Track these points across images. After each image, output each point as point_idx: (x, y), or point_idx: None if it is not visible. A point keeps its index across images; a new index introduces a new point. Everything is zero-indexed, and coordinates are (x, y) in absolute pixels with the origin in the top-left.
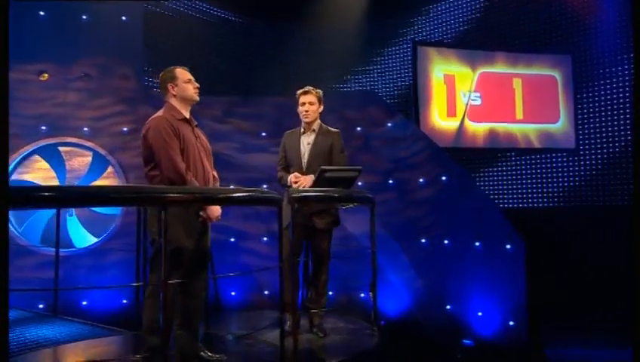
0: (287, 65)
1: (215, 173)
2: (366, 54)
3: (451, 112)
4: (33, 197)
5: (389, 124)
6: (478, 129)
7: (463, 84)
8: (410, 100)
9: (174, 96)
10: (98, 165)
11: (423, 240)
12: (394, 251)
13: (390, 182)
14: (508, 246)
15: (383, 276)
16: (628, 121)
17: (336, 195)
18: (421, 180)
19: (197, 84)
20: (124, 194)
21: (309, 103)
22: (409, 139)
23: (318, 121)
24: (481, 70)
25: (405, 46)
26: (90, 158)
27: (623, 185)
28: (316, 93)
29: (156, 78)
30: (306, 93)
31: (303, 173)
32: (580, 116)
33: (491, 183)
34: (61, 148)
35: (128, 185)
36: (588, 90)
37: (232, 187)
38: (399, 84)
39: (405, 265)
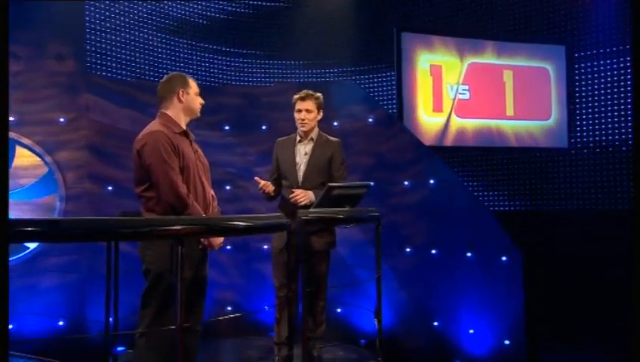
0: (254, 51)
1: (212, 192)
2: (345, 41)
3: (437, 107)
4: (22, 232)
5: (370, 120)
6: (465, 126)
7: (450, 76)
8: (394, 93)
9: (180, 103)
10: (28, 163)
11: (408, 250)
12: (375, 261)
13: (371, 184)
14: (503, 258)
15: (361, 289)
16: (624, 118)
17: (347, 216)
18: (406, 183)
19: (202, 100)
20: (137, 228)
21: (307, 110)
22: (393, 137)
23: (317, 129)
24: (470, 60)
25: (388, 32)
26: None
27: (623, 187)
28: (315, 98)
29: (100, 58)
30: (303, 98)
31: (298, 187)
32: (573, 113)
33: (481, 185)
34: None
35: (141, 218)
36: (581, 85)
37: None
38: (381, 74)
39: (388, 277)
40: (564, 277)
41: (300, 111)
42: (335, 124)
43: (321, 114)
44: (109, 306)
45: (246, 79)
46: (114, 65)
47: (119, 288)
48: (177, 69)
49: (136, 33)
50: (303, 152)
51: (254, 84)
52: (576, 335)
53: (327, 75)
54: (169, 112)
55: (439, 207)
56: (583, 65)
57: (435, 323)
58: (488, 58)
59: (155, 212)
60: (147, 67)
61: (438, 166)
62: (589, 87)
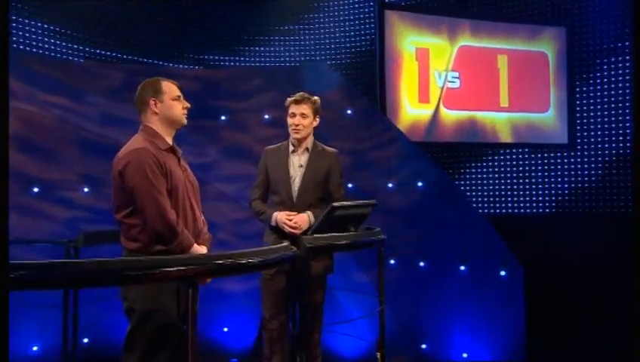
0: (211, 25)
1: (202, 217)
2: (320, 18)
3: (424, 97)
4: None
5: (349, 111)
6: (455, 118)
7: (438, 61)
8: (375, 80)
9: (156, 115)
10: None
11: (392, 261)
12: (353, 275)
13: (349, 186)
14: (502, 273)
15: (337, 306)
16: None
17: (354, 241)
18: (390, 185)
19: (187, 104)
20: (145, 271)
21: (301, 115)
22: (374, 132)
23: (312, 137)
24: (461, 43)
25: (369, 10)
26: None
27: (627, 188)
28: (312, 102)
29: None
30: (298, 102)
31: (292, 203)
32: (574, 104)
33: (474, 187)
34: None
35: (147, 258)
36: (583, 72)
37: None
38: (361, 58)
39: (368, 292)
40: (571, 292)
41: (293, 115)
42: None
43: (318, 120)
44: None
45: (202, 60)
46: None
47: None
48: (118, 45)
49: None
50: (297, 164)
51: (212, 66)
52: (584, 358)
53: (298, 56)
54: (152, 125)
55: (427, 213)
56: (585, 49)
57: (423, 346)
58: (481, 40)
59: (139, 241)
60: (81, 44)
61: (426, 165)
62: (593, 75)
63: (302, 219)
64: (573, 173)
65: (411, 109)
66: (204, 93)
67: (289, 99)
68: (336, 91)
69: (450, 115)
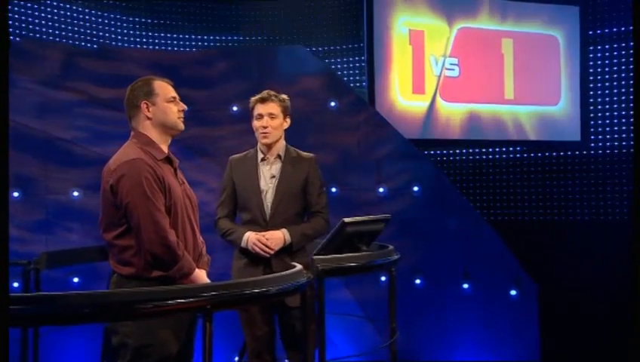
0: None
1: (200, 237)
2: None
3: (418, 87)
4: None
5: (332, 104)
6: (453, 112)
7: (435, 45)
8: (363, 68)
9: (149, 120)
10: None
11: (383, 279)
12: (338, 294)
13: (333, 190)
14: (512, 292)
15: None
16: None
17: (371, 262)
18: (380, 189)
19: (183, 106)
20: (158, 302)
21: (270, 116)
22: (362, 127)
23: (283, 141)
24: (460, 25)
25: None
26: None
27: None
28: (280, 100)
29: None
30: (264, 100)
31: (265, 221)
32: (587, 95)
33: (478, 191)
34: None
35: (159, 289)
36: (598, 58)
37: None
38: (347, 42)
39: (355, 313)
40: (593, 314)
41: (260, 116)
42: None
43: (288, 121)
44: None
45: (157, 42)
46: None
47: None
48: (56, 27)
49: None
50: (268, 175)
51: (168, 49)
52: None
53: (271, 40)
54: (146, 132)
55: (424, 222)
56: (599, 31)
57: None
58: (483, 22)
59: (134, 266)
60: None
61: (423, 166)
62: (609, 62)
63: (275, 237)
64: (585, 174)
65: (404, 101)
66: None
67: (252, 99)
68: (316, 79)
69: (448, 108)
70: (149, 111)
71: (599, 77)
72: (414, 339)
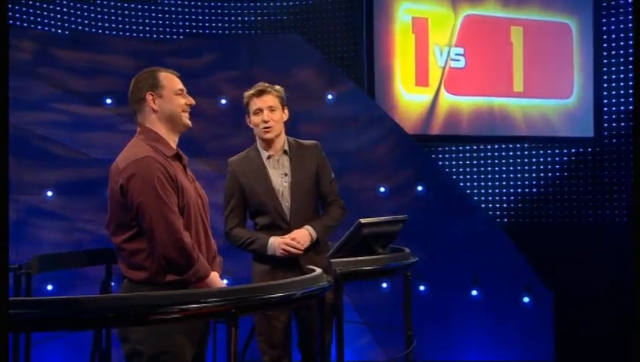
0: None
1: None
2: None
3: (422, 80)
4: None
5: (330, 97)
6: (459, 106)
7: (439, 34)
8: (362, 58)
9: (155, 113)
10: None
11: (385, 285)
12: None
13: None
14: (525, 299)
15: None
16: None
17: (390, 265)
18: (382, 189)
19: (191, 100)
20: (181, 305)
21: (269, 109)
22: (362, 122)
23: (284, 135)
24: (466, 12)
25: None
26: None
27: None
28: (277, 91)
29: None
30: (260, 93)
31: (287, 223)
32: (601, 88)
33: (484, 190)
34: None
35: (182, 292)
36: (612, 47)
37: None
38: (345, 30)
39: (353, 321)
40: (613, 323)
41: (259, 111)
42: None
43: (287, 113)
44: None
45: (139, 28)
46: None
47: None
48: (24, 12)
49: None
50: (279, 173)
51: (151, 36)
52: None
53: (262, 26)
54: (153, 127)
55: (429, 224)
56: (614, 19)
57: None
58: (491, 9)
59: (146, 270)
60: None
61: (427, 164)
62: (624, 52)
63: (302, 235)
64: (599, 172)
65: (406, 94)
66: (141, 70)
67: (247, 94)
68: (312, 71)
69: (454, 102)
70: (154, 103)
71: (614, 68)
72: (418, 351)
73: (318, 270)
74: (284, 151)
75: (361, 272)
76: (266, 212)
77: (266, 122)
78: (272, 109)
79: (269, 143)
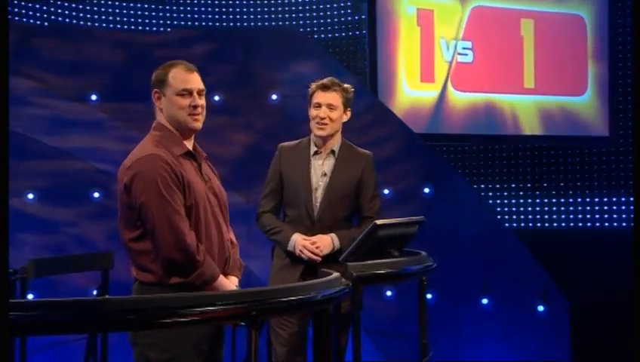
0: None
1: (232, 237)
2: None
3: (427, 75)
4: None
5: None
6: (467, 103)
7: (446, 27)
8: (365, 52)
9: (161, 111)
10: None
11: (389, 293)
12: None
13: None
14: (540, 308)
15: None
16: None
17: (407, 269)
18: (386, 191)
19: (198, 101)
20: (201, 307)
21: (329, 107)
22: (364, 120)
23: (340, 136)
24: (474, 3)
25: None
26: None
27: None
28: (343, 90)
29: None
30: (326, 88)
31: (312, 222)
32: (616, 85)
33: (497, 193)
34: None
35: (201, 294)
36: (628, 40)
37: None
38: (347, 23)
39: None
40: (632, 334)
41: (318, 105)
42: (274, 97)
43: (349, 114)
44: None
45: (126, 21)
46: None
47: None
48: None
49: None
50: (320, 171)
51: (139, 29)
52: None
53: (261, 19)
54: (165, 124)
55: (437, 228)
56: (630, 12)
57: None
58: (500, 0)
59: (151, 272)
60: None
61: (434, 164)
62: None
63: (324, 243)
64: (614, 174)
65: (411, 91)
66: (129, 64)
67: (313, 85)
68: (313, 66)
69: (461, 99)
70: (159, 102)
71: (629, 63)
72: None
73: (336, 273)
74: (332, 152)
75: (378, 276)
76: (296, 205)
77: (322, 118)
78: (331, 108)
79: (321, 139)
